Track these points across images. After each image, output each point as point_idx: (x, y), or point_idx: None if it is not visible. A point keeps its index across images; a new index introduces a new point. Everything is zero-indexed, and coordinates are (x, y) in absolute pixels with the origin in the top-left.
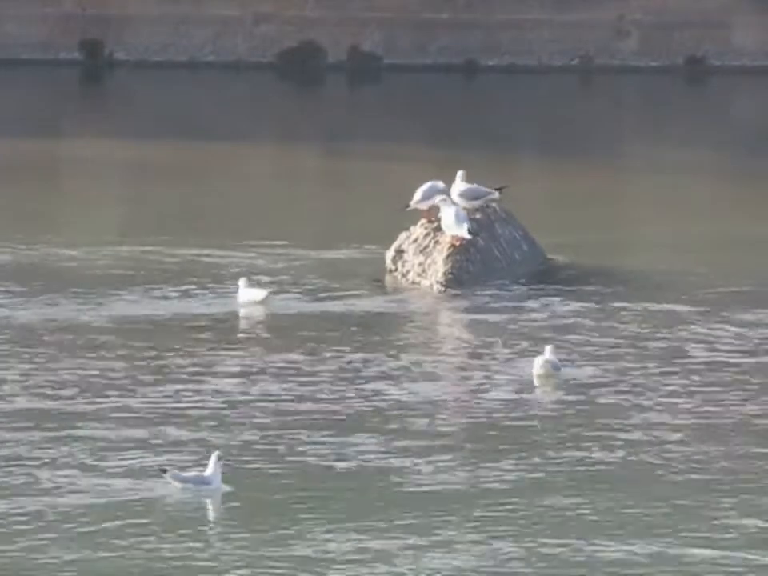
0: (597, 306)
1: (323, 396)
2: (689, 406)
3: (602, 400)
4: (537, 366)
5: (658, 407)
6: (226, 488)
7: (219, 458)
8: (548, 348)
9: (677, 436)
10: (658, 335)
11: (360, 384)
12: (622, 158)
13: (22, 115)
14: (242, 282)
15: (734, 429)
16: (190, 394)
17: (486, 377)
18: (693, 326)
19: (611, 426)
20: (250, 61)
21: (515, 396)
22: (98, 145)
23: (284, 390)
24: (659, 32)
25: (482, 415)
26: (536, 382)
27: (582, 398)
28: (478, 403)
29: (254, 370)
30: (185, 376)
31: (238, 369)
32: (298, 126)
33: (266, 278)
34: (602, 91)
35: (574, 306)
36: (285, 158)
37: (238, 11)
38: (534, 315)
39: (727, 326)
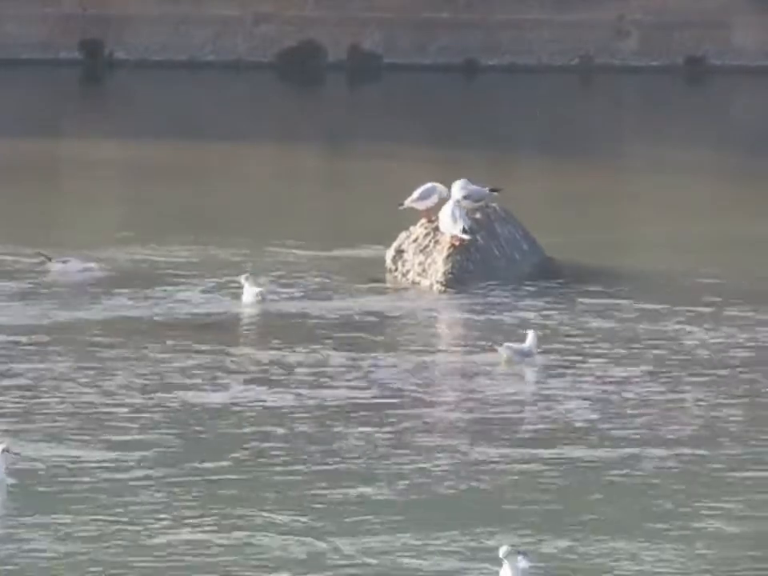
0: (596, 306)
1: (318, 395)
2: (680, 405)
3: (575, 392)
4: (500, 351)
5: (635, 407)
6: (10, 480)
7: (5, 451)
8: (530, 333)
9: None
10: (657, 334)
11: (359, 384)
12: (622, 158)
13: (22, 115)
14: (246, 282)
15: (729, 430)
16: (168, 393)
17: (485, 375)
18: (692, 326)
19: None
20: (250, 61)
21: (512, 393)
22: (97, 145)
23: (280, 389)
24: (659, 32)
25: (476, 411)
26: (504, 368)
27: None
28: (473, 400)
29: (252, 369)
30: (176, 375)
31: (234, 368)
32: (298, 126)
33: (265, 278)
34: (602, 91)
35: (574, 305)
36: (285, 158)
37: (238, 11)
38: (533, 315)
39: (727, 326)
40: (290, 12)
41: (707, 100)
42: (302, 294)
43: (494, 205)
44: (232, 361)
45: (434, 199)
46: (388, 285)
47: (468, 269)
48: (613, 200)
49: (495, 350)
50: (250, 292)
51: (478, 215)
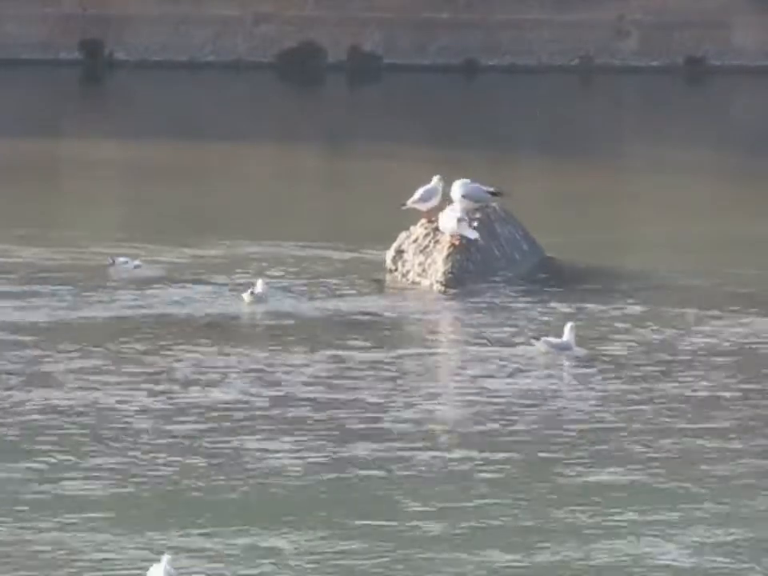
0: (596, 306)
1: (318, 396)
2: (679, 406)
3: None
4: (537, 343)
5: (644, 404)
6: None
7: None
8: (568, 325)
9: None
10: (657, 335)
11: (359, 384)
12: (622, 158)
13: (22, 115)
14: (258, 282)
15: (726, 430)
16: (171, 393)
17: (485, 375)
18: (692, 326)
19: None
20: (250, 61)
21: (512, 394)
22: (97, 145)
23: (280, 389)
24: (659, 32)
25: (477, 413)
26: (540, 360)
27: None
28: (475, 401)
29: (251, 369)
30: (175, 375)
31: (233, 368)
32: (298, 126)
33: (265, 278)
34: (602, 91)
35: (574, 305)
36: (285, 158)
37: (238, 11)
38: (533, 315)
39: (726, 326)
40: (289, 12)
41: (707, 100)
42: (301, 294)
43: (494, 205)
44: (218, 360)
45: (434, 201)
46: (388, 285)
47: (468, 269)
48: (613, 200)
49: (532, 344)
50: (250, 291)
51: (478, 215)
